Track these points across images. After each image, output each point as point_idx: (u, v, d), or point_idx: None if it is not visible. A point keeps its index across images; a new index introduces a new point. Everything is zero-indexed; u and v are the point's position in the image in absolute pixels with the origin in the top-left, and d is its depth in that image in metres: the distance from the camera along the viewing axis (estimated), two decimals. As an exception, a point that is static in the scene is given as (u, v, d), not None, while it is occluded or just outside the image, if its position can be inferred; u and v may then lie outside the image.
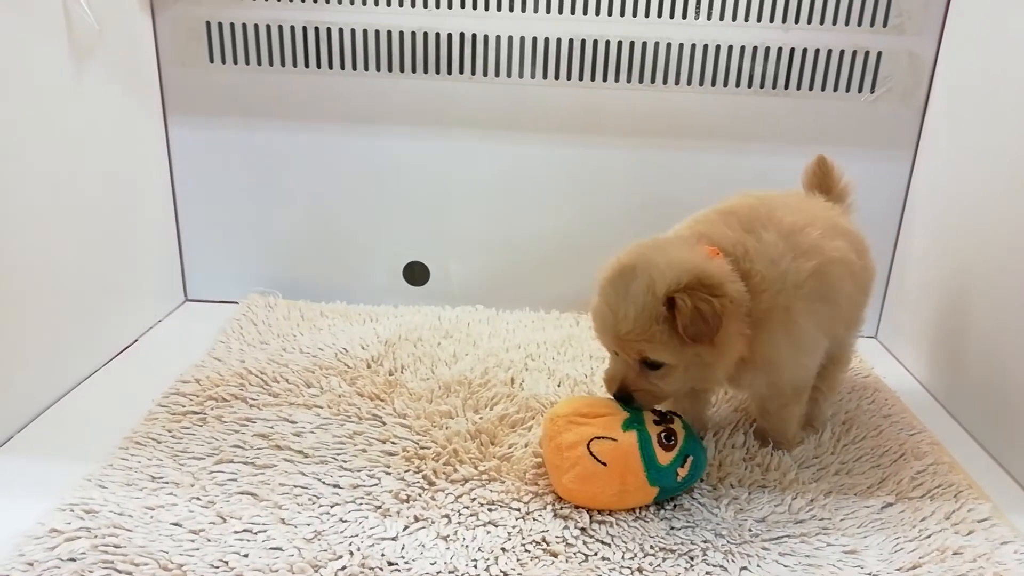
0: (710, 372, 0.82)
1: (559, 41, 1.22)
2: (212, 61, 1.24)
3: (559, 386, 1.08)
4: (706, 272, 0.77)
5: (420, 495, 0.83)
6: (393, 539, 0.76)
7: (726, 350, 0.79)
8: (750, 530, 0.80)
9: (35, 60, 0.96)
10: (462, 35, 1.22)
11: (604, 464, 0.79)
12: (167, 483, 0.82)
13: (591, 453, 0.79)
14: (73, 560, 0.70)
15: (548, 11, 1.20)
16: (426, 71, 1.24)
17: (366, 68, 1.24)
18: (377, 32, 1.22)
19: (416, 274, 1.38)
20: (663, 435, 0.81)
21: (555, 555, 0.75)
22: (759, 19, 1.19)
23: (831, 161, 1.01)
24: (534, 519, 0.80)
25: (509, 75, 1.24)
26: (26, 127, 0.94)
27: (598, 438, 0.80)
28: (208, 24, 1.22)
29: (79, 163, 1.05)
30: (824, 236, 0.85)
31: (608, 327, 0.80)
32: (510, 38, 1.22)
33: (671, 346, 0.78)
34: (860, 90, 1.22)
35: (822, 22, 1.19)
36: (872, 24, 1.19)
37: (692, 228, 0.87)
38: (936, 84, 1.20)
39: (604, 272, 0.82)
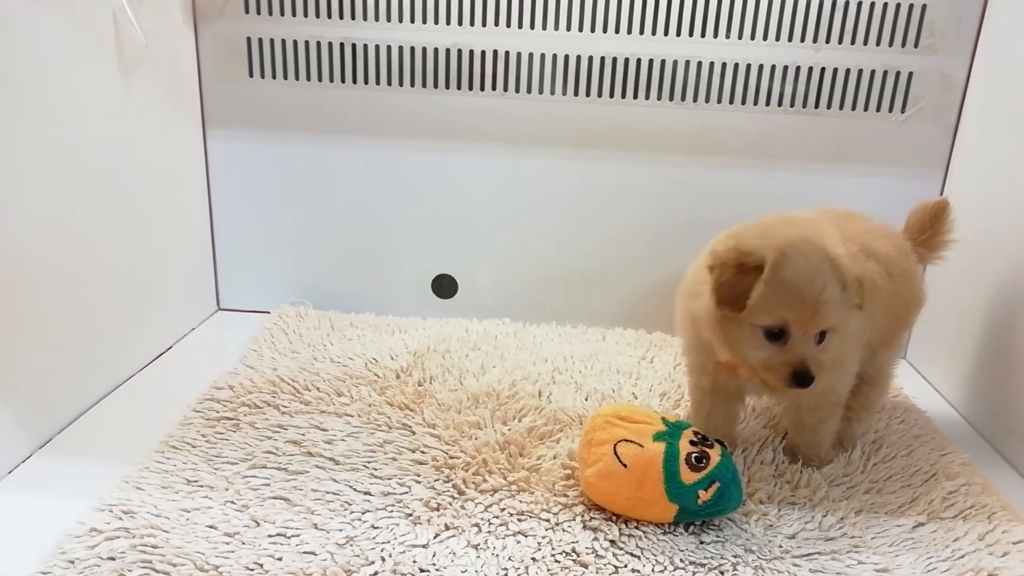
0: (853, 344, 0.88)
1: (590, 59, 1.23)
2: (252, 76, 1.27)
3: (587, 399, 1.08)
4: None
5: (450, 504, 0.83)
6: (424, 546, 0.76)
7: (873, 318, 0.87)
8: (780, 546, 0.80)
9: (86, 71, 0.99)
10: (495, 52, 1.24)
11: (625, 466, 0.80)
12: (202, 486, 0.84)
13: (616, 453, 0.81)
14: (112, 559, 0.72)
15: (580, 30, 1.22)
16: (459, 87, 1.26)
17: (400, 84, 1.26)
18: (412, 49, 1.24)
19: (444, 287, 1.39)
20: (694, 456, 0.80)
21: (585, 566, 0.75)
22: (790, 39, 1.20)
23: (952, 210, 1.00)
24: (563, 530, 0.80)
25: (540, 92, 1.26)
26: (73, 135, 0.97)
27: (626, 441, 0.82)
28: (248, 40, 1.25)
29: (120, 172, 1.08)
30: (857, 256, 0.86)
31: (810, 299, 0.79)
32: (542, 55, 1.24)
33: (847, 307, 0.82)
34: (891, 109, 1.22)
35: (853, 42, 1.19)
36: (903, 45, 1.19)
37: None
38: (968, 104, 1.20)
39: (768, 252, 0.80)
